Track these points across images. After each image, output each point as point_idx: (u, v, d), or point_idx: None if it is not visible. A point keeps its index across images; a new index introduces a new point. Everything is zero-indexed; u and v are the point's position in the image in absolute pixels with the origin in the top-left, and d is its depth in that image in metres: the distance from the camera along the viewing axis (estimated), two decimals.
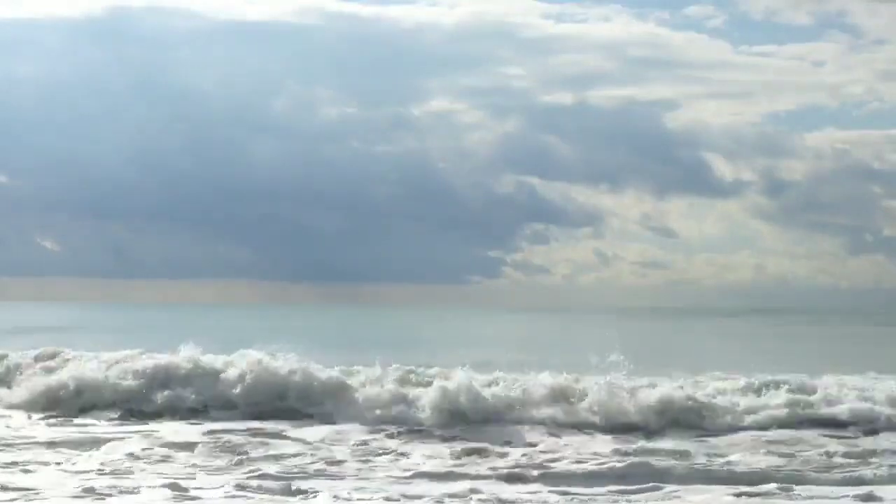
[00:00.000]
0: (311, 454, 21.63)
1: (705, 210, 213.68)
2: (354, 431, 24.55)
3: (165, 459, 20.81)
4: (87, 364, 31.29)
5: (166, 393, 29.05)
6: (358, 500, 17.24)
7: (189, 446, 22.18)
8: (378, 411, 26.68)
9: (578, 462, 20.80)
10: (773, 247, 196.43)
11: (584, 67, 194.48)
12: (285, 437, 23.96)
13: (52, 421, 26.16)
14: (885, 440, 23.92)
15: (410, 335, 78.11)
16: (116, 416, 27.48)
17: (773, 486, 18.96)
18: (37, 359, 33.25)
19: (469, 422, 25.80)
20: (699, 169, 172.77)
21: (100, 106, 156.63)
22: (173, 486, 17.85)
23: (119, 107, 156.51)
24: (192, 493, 17.52)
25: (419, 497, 17.57)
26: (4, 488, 17.21)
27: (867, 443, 23.13)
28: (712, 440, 24.29)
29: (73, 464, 20.06)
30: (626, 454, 21.70)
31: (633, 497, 18.03)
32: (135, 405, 28.49)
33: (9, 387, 30.84)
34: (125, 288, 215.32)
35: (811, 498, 18.21)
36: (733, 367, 41.14)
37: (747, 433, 25.02)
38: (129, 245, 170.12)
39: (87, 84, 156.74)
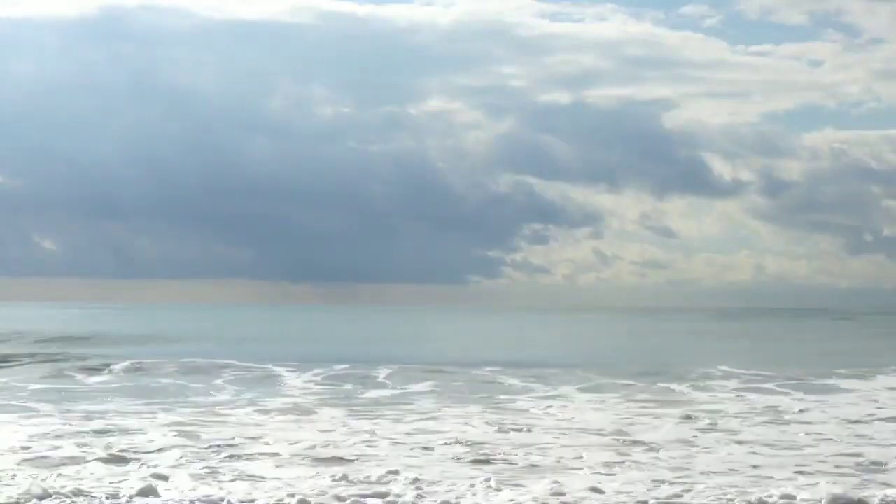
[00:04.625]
0: None
1: (704, 210, 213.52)
2: None
3: None
4: None
5: None
6: None
7: None
8: None
9: None
10: (773, 247, 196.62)
11: (581, 67, 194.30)
12: None
13: None
14: None
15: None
16: None
17: None
18: None
19: None
20: (698, 169, 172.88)
21: (96, 105, 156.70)
22: None
23: (116, 106, 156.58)
24: None
25: None
26: None
27: None
28: None
29: None
30: None
31: None
32: None
33: None
34: (125, 288, 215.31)
35: None
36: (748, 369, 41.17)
37: None
38: (129, 245, 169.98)
39: (84, 83, 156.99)
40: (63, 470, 17.84)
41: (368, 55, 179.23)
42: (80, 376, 38.02)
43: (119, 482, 16.81)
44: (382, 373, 38.77)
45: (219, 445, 20.62)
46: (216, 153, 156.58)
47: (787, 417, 26.67)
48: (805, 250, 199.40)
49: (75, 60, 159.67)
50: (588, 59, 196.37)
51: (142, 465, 18.46)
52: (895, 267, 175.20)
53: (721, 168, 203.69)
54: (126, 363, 43.07)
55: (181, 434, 22.17)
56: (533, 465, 19.08)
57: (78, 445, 20.41)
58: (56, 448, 20.11)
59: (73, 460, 18.85)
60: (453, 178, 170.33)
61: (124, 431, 22.60)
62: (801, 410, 28.08)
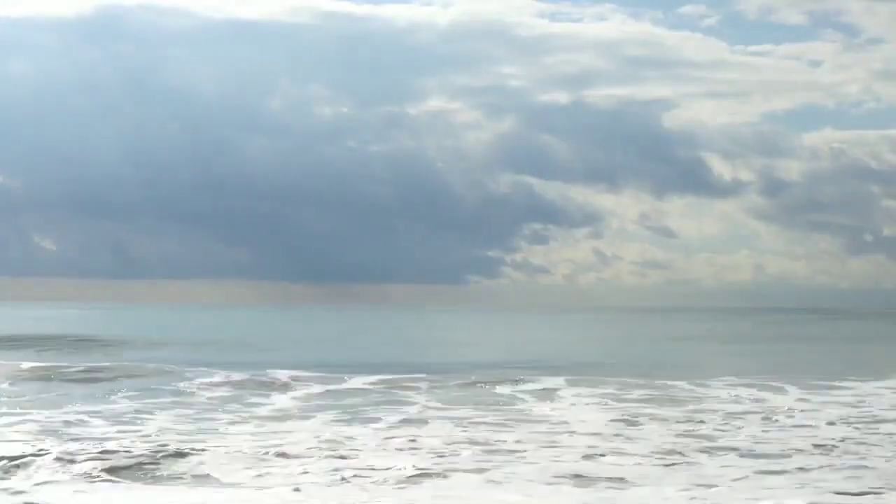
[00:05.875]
0: None
1: (704, 210, 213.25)
2: None
3: None
4: None
5: None
6: None
7: None
8: None
9: None
10: (773, 247, 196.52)
11: (580, 66, 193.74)
12: None
13: None
14: None
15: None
16: None
17: None
18: None
19: None
20: (697, 169, 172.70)
21: (95, 105, 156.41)
22: None
23: (114, 106, 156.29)
24: None
25: None
26: None
27: None
28: None
29: None
30: None
31: None
32: None
33: None
34: (125, 288, 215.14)
35: None
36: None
37: None
38: (129, 245, 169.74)
39: (82, 83, 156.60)
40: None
41: (367, 55, 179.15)
42: (65, 382, 37.66)
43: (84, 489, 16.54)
44: (377, 374, 38.36)
45: (168, 450, 19.94)
46: (216, 153, 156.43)
47: (782, 418, 26.19)
48: (805, 250, 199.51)
49: (74, 60, 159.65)
50: (587, 58, 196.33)
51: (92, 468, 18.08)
52: (895, 267, 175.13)
53: (721, 168, 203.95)
54: (111, 364, 42.72)
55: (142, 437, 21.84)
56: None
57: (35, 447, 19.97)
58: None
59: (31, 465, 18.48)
60: (453, 178, 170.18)
61: (95, 438, 22.27)
62: (795, 411, 27.66)
